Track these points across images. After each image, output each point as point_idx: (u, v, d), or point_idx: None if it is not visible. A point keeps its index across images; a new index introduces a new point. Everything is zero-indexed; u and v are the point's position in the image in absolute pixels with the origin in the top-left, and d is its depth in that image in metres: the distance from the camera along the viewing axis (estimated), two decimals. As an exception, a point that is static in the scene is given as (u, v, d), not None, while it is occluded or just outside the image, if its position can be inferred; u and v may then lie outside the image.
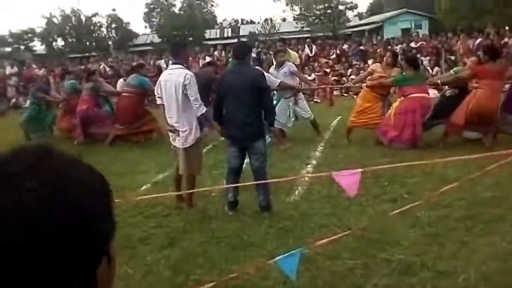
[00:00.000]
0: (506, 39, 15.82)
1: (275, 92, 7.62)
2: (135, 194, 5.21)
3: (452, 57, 15.09)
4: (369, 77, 7.93)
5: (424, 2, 38.48)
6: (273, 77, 7.83)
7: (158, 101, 4.91)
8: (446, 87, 7.68)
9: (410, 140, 6.90)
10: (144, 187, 5.68)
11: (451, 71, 7.80)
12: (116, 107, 8.75)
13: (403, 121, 6.90)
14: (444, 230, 4.02)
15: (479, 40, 15.80)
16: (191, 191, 4.73)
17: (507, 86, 7.18)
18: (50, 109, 9.53)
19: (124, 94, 8.49)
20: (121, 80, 9.48)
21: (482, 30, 17.87)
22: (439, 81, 7.42)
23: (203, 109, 4.71)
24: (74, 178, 0.60)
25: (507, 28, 17.63)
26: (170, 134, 4.89)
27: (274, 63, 8.14)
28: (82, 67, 15.46)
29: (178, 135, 4.71)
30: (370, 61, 16.00)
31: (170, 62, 5.11)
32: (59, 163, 0.61)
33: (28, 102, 10.87)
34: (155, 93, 4.94)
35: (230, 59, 13.43)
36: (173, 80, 4.68)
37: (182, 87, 4.62)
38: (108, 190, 0.65)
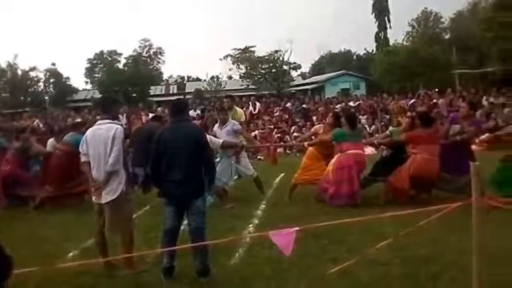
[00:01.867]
0: (435, 100, 17.03)
1: (218, 150, 7.57)
2: (60, 261, 4.78)
3: (387, 116, 15.97)
4: (312, 137, 8.14)
5: (361, 65, 41.34)
6: (217, 134, 7.83)
7: (83, 158, 4.74)
8: (383, 147, 8.02)
9: (348, 195, 6.99)
10: (71, 253, 5.25)
11: (387, 131, 8.16)
12: (45, 167, 8.20)
13: (341, 176, 7.05)
14: (384, 290, 3.97)
15: (412, 100, 16.92)
16: (128, 255, 4.47)
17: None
18: None
19: (56, 152, 8.01)
20: (51, 139, 8.91)
21: (414, 91, 19.23)
22: (375, 141, 7.70)
23: (112, 168, 4.56)
24: None
25: (436, 90, 19.07)
26: (93, 192, 4.68)
27: (218, 121, 8.14)
28: (15, 123, 14.72)
29: (101, 191, 4.57)
30: (314, 118, 16.55)
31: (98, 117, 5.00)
32: None
33: None
34: (80, 150, 4.76)
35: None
36: (102, 134, 4.62)
37: (111, 140, 4.56)
38: None
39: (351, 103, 18.55)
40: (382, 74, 31.16)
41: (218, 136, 7.84)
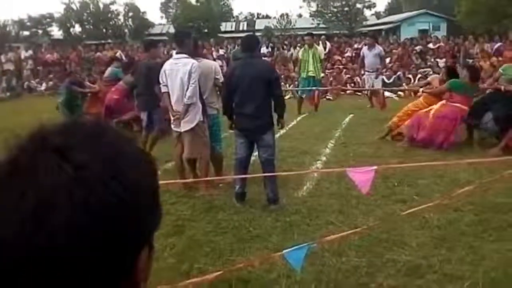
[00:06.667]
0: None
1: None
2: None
3: (470, 60, 14.87)
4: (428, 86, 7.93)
5: (443, 4, 38.01)
6: None
7: (163, 89, 5.06)
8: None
9: (440, 145, 6.73)
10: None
11: (500, 69, 7.56)
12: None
13: (439, 125, 6.77)
14: (453, 234, 3.96)
15: (498, 44, 15.56)
16: (205, 179, 4.86)
17: None
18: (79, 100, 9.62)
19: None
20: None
21: (501, 34, 17.55)
22: (502, 88, 7.07)
23: (190, 101, 4.82)
24: (129, 154, 0.55)
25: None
26: (172, 120, 5.01)
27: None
28: (98, 53, 15.45)
29: (180, 121, 4.90)
30: (387, 60, 15.79)
31: (174, 52, 5.26)
32: (114, 138, 0.56)
33: (43, 86, 10.82)
34: (160, 81, 5.07)
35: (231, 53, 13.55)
36: (179, 69, 4.85)
37: (188, 75, 4.78)
38: (155, 170, 0.60)
39: (431, 45, 17.41)
40: (467, 15, 28.58)
41: None
